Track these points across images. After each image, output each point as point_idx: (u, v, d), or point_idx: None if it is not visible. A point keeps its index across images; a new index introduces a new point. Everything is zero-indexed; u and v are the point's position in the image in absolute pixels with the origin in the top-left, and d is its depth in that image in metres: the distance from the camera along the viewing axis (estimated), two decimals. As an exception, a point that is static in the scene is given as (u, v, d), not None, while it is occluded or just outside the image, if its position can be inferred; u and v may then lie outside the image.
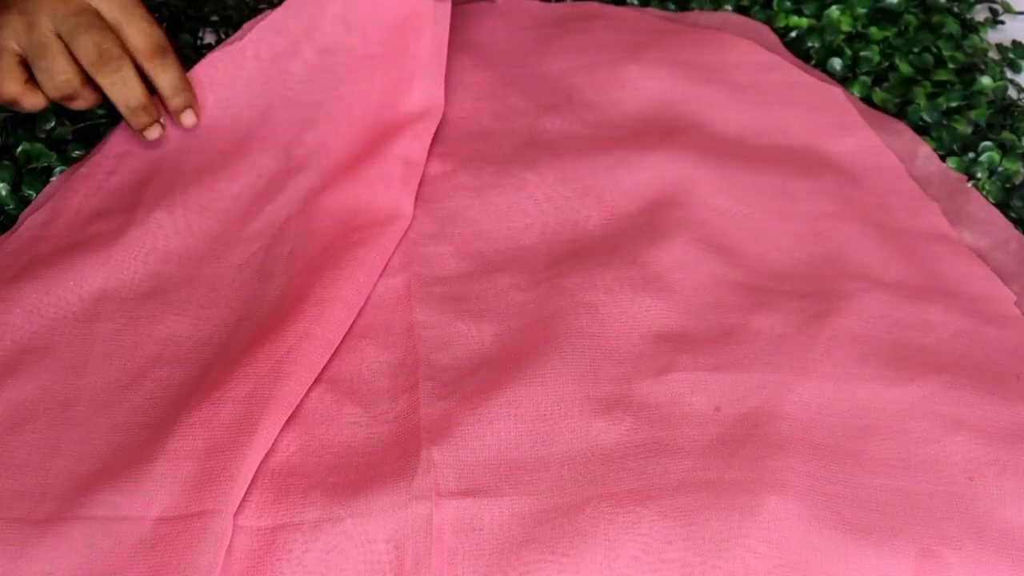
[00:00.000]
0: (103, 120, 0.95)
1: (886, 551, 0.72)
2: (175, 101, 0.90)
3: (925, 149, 0.96)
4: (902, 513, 0.74)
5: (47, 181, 0.91)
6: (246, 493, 0.74)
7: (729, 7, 1.05)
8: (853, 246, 0.88)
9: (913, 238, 0.90)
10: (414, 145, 0.91)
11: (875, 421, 0.78)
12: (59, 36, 0.86)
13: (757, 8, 1.05)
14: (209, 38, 1.03)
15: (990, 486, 0.76)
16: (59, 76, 0.86)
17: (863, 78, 1.00)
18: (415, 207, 0.89)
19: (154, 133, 0.89)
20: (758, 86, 0.98)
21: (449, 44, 0.97)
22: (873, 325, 0.83)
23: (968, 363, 0.82)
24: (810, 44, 1.03)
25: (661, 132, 0.94)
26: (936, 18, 1.04)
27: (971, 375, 0.81)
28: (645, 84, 0.97)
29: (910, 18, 1.04)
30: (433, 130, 0.92)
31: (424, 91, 0.92)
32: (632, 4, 1.06)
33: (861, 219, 0.90)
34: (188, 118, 0.90)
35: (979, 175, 0.95)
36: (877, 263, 0.88)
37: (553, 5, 1.05)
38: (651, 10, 1.05)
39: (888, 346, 0.82)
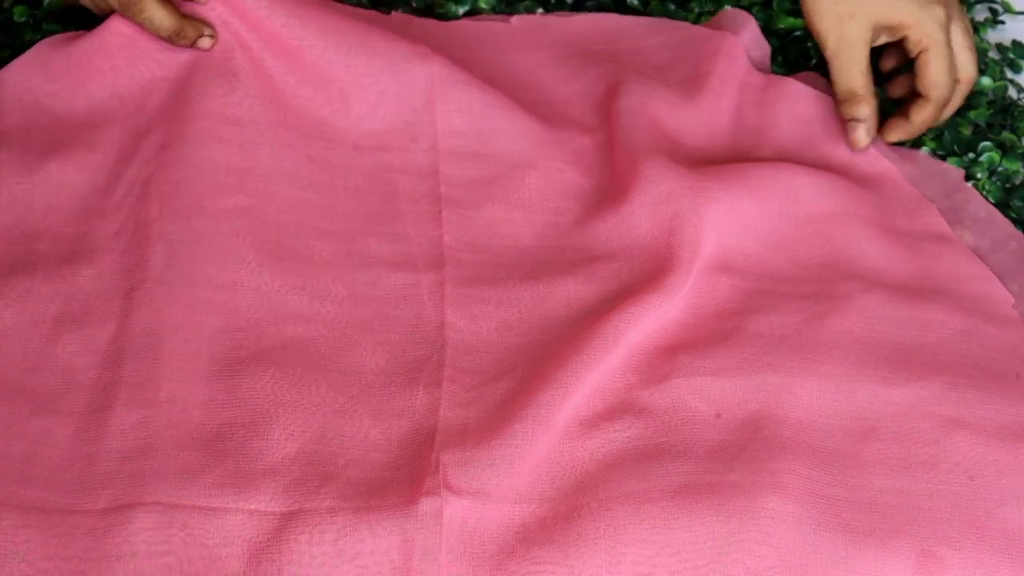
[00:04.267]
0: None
1: (886, 552, 0.72)
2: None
3: (921, 149, 0.96)
4: (902, 514, 0.74)
5: None
6: (260, 479, 0.75)
7: (728, 7, 1.05)
8: (853, 247, 0.88)
9: (912, 238, 0.90)
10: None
11: (875, 422, 0.78)
12: None
13: (757, 8, 1.05)
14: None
15: (990, 486, 0.76)
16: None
17: (863, 78, 1.00)
18: (450, 210, 0.90)
19: (204, 44, 0.92)
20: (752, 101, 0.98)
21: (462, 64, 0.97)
22: (873, 326, 0.83)
23: (968, 363, 0.82)
24: (810, 44, 1.03)
25: (672, 151, 0.93)
26: (936, 18, 1.04)
27: (971, 375, 0.81)
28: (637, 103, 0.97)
29: (910, 18, 1.04)
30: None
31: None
32: (633, 5, 1.06)
33: (861, 219, 0.90)
34: (204, 43, 0.93)
35: (979, 175, 0.95)
36: (877, 264, 0.88)
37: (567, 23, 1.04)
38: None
39: (888, 347, 0.82)
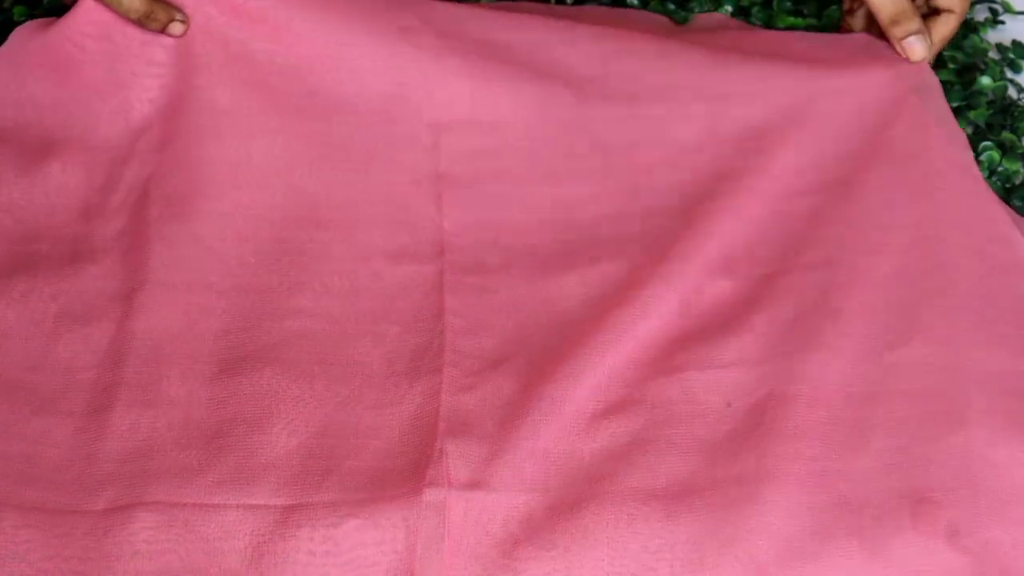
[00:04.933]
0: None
1: (883, 522, 0.73)
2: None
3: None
4: (899, 473, 0.75)
5: None
6: (261, 474, 0.75)
7: (728, 7, 1.05)
8: (877, 198, 0.87)
9: (938, 174, 0.88)
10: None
11: (879, 386, 0.78)
12: None
13: (757, 8, 1.05)
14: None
15: (984, 434, 0.76)
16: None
17: (863, 78, 1.00)
18: (450, 192, 0.89)
19: (176, 30, 0.91)
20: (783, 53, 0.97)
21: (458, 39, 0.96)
22: (882, 287, 0.83)
23: (974, 310, 0.81)
24: (810, 44, 1.03)
25: (696, 132, 0.93)
26: (936, 18, 1.04)
27: (975, 324, 0.81)
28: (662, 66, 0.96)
29: (910, 18, 1.04)
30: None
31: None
32: (633, 5, 1.06)
33: (887, 158, 0.89)
34: (176, 28, 0.91)
35: (979, 175, 0.95)
36: (896, 205, 0.86)
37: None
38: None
39: (896, 306, 0.82)
